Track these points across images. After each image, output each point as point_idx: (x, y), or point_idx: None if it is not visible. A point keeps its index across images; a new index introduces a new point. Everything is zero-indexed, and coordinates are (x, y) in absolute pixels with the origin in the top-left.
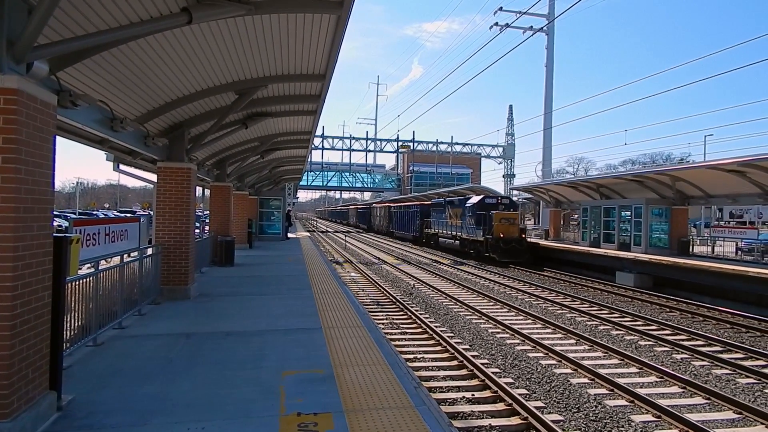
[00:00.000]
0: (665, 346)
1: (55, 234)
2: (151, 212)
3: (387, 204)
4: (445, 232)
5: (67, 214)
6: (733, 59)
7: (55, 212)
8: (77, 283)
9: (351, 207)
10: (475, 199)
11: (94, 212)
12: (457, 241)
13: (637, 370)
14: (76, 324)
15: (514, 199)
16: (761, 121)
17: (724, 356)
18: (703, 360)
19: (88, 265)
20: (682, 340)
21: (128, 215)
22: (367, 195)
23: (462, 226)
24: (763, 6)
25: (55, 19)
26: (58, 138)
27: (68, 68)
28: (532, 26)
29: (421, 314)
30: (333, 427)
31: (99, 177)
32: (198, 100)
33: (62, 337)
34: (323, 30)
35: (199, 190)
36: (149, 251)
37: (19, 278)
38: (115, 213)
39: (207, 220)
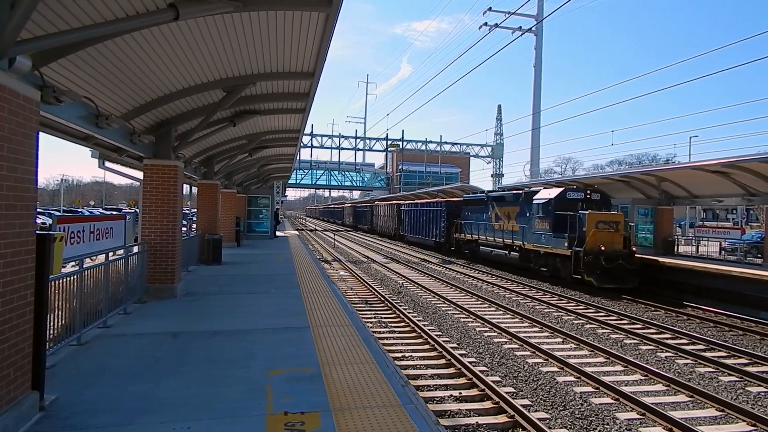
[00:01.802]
0: (650, 345)
1: (38, 232)
2: (138, 210)
3: (395, 201)
4: (489, 238)
5: (51, 212)
6: (719, 61)
7: (38, 209)
8: (61, 281)
9: (347, 205)
10: (548, 192)
11: (79, 210)
12: (513, 253)
13: (623, 369)
14: (60, 323)
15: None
16: (745, 122)
17: (708, 354)
18: (686, 358)
19: (73, 263)
20: (667, 338)
21: (114, 213)
22: (356, 194)
23: (523, 231)
24: (750, 8)
25: (38, 13)
26: (41, 134)
27: (52, 64)
28: (521, 27)
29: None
30: (320, 426)
31: (84, 174)
32: (185, 97)
33: (45, 337)
34: (312, 28)
35: (186, 187)
36: (135, 249)
37: (1, 276)
38: (101, 211)
39: (194, 218)
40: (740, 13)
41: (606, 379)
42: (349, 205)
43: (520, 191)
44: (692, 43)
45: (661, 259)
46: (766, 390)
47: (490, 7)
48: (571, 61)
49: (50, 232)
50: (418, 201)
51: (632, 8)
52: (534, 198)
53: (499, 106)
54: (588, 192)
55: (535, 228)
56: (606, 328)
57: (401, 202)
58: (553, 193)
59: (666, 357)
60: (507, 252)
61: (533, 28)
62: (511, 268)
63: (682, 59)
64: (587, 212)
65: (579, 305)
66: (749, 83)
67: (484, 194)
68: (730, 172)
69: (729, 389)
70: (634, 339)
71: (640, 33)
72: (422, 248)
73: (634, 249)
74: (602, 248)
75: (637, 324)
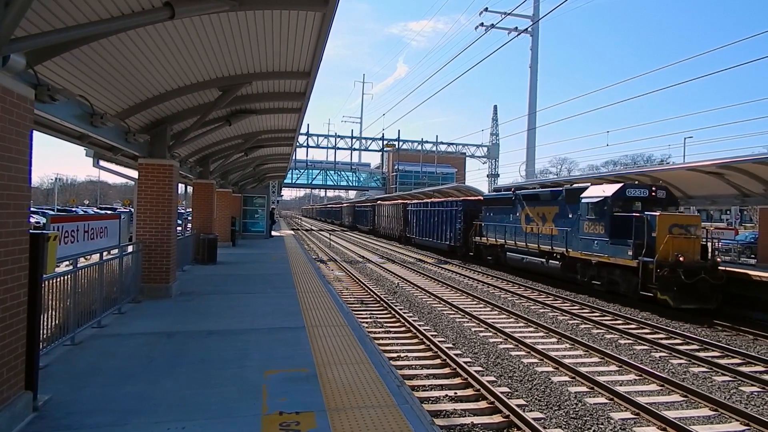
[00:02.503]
0: (644, 345)
1: (31, 231)
2: (132, 209)
3: (401, 201)
4: (519, 243)
5: (46, 211)
6: (713, 62)
7: (32, 209)
8: (55, 281)
9: (346, 204)
10: (601, 189)
11: (74, 209)
12: (553, 261)
13: (617, 368)
14: (54, 323)
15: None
16: (739, 124)
17: (701, 354)
18: (680, 358)
19: (67, 262)
20: (661, 338)
21: (108, 212)
22: (351, 193)
23: (566, 236)
24: (744, 9)
25: (33, 11)
26: (35, 133)
27: (47, 62)
28: (517, 27)
29: None
30: (315, 426)
31: (79, 173)
32: (181, 96)
33: (39, 336)
34: (308, 27)
35: (181, 187)
36: (130, 249)
37: None
38: (95, 210)
39: (189, 218)
40: (735, 14)
41: (600, 379)
42: (349, 204)
43: (559, 188)
44: (687, 44)
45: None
46: (759, 390)
47: (487, 8)
48: (567, 62)
49: (44, 232)
50: (429, 200)
51: (627, 9)
52: (583, 196)
53: (495, 107)
54: (653, 188)
55: (584, 232)
56: (601, 328)
57: (408, 201)
58: (609, 189)
59: (660, 357)
60: (544, 260)
61: (529, 29)
62: (548, 279)
63: (676, 60)
64: (657, 213)
65: (574, 305)
66: (743, 84)
67: (510, 192)
68: (725, 173)
69: (722, 389)
70: (628, 339)
71: (635, 34)
72: (433, 252)
73: (718, 259)
74: (681, 258)
75: (631, 324)
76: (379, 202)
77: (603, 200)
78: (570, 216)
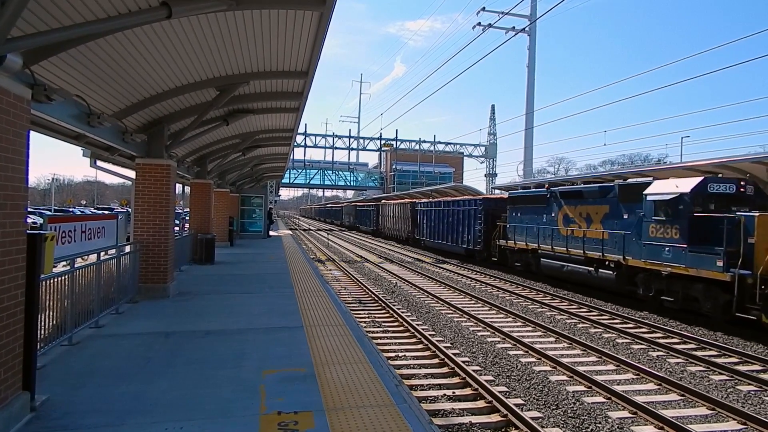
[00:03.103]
0: (642, 344)
1: (28, 231)
2: (130, 209)
3: (408, 200)
4: (558, 248)
5: (42, 211)
6: (710, 62)
7: (29, 209)
8: (52, 281)
9: (346, 204)
10: (674, 184)
11: (71, 209)
12: (605, 271)
13: (615, 368)
14: (51, 323)
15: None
16: (736, 123)
17: (699, 354)
18: (678, 357)
19: (64, 263)
20: (658, 337)
21: (106, 212)
22: (349, 193)
23: (623, 240)
24: (741, 9)
25: (29, 11)
26: (32, 133)
27: (43, 62)
28: (514, 27)
29: None
30: (314, 425)
31: (76, 173)
32: (178, 95)
33: (36, 337)
34: (306, 26)
35: (179, 187)
36: (127, 249)
37: None
38: (93, 210)
39: (187, 218)
40: (731, 14)
41: (598, 378)
42: (350, 204)
43: (610, 182)
44: (684, 44)
45: None
46: (756, 389)
47: (484, 7)
48: (564, 61)
49: (41, 232)
50: (441, 199)
51: (624, 9)
52: (648, 193)
53: (493, 106)
54: (741, 183)
55: (650, 236)
56: (598, 328)
57: (416, 200)
58: (686, 184)
59: (657, 356)
60: (592, 269)
61: (526, 29)
62: (598, 291)
63: (673, 60)
64: (756, 214)
65: (572, 305)
66: (740, 84)
67: (544, 189)
68: (721, 172)
69: (720, 388)
70: (626, 338)
71: (631, 34)
72: (448, 256)
73: None
74: None
75: (629, 323)
76: (383, 201)
77: (678, 198)
78: (626, 216)
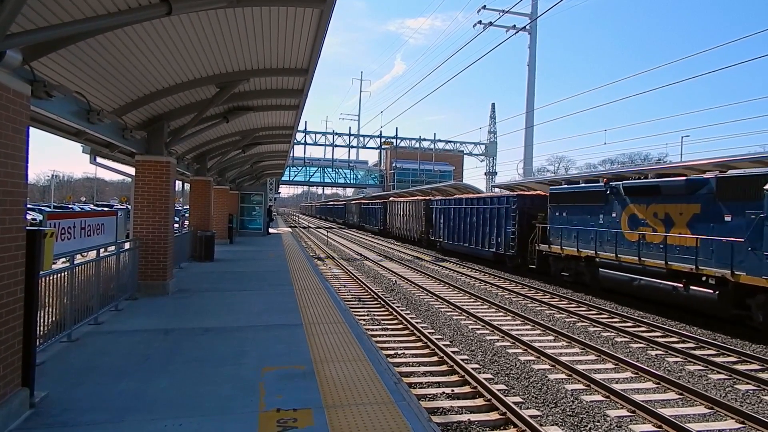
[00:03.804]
0: (641, 343)
1: (28, 227)
2: (129, 206)
3: (421, 197)
4: (624, 257)
5: (42, 208)
6: (711, 61)
7: (28, 205)
8: (51, 277)
9: (352, 201)
10: None
11: (70, 206)
12: (701, 289)
13: (614, 366)
14: (50, 319)
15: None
16: (736, 123)
17: (697, 353)
18: (677, 356)
19: (63, 259)
20: (657, 336)
21: (105, 209)
22: (349, 191)
23: (730, 250)
24: (742, 9)
25: (29, 7)
26: (32, 129)
27: (43, 58)
28: (515, 25)
29: None
30: (313, 422)
31: (75, 170)
32: (178, 92)
33: (35, 333)
34: (306, 24)
35: (178, 184)
36: (127, 246)
37: None
38: (92, 207)
39: (186, 215)
40: (732, 14)
41: (597, 376)
42: (354, 201)
43: (701, 175)
44: (685, 43)
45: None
46: (754, 388)
47: (485, 5)
48: (565, 60)
49: (40, 228)
50: (464, 196)
51: (625, 8)
52: None
53: (493, 105)
54: None
55: None
56: (597, 326)
57: (431, 197)
58: None
59: (656, 355)
60: (679, 286)
61: (527, 27)
62: (688, 313)
63: (674, 59)
64: None
65: (571, 303)
66: (741, 84)
67: (600, 183)
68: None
69: (718, 387)
70: (624, 337)
71: (632, 33)
72: (469, 260)
73: None
74: None
75: (627, 322)
76: (391, 198)
77: None
78: (729, 219)
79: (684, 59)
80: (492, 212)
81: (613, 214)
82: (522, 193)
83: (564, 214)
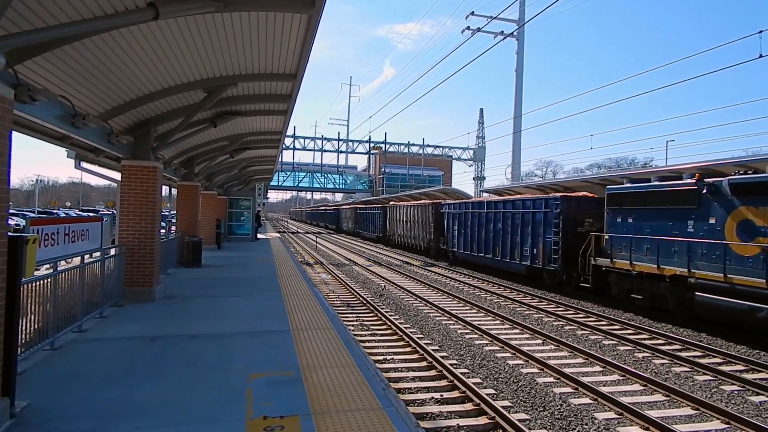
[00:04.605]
0: (628, 345)
1: (10, 234)
2: (115, 212)
3: (429, 201)
4: (735, 277)
5: (26, 213)
6: (695, 66)
7: (12, 211)
8: (34, 284)
9: (345, 206)
10: None
11: (55, 211)
12: None
13: (601, 369)
14: (33, 327)
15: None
16: (719, 127)
17: (683, 354)
18: (663, 358)
19: (47, 266)
20: (644, 339)
21: (90, 215)
22: (338, 196)
23: None
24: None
25: (12, 10)
26: (15, 134)
27: (27, 62)
28: (503, 31)
29: None
30: (300, 430)
31: (60, 175)
32: (165, 97)
33: (17, 341)
34: (294, 29)
35: (165, 189)
36: (112, 252)
37: None
38: (77, 212)
39: (173, 220)
40: (718, 18)
41: (585, 379)
42: (349, 206)
43: None
44: (670, 48)
45: None
46: (739, 388)
47: (473, 11)
48: (552, 66)
49: (23, 234)
50: (484, 199)
51: (611, 14)
52: None
53: (481, 110)
54: None
55: None
56: (585, 330)
57: (440, 201)
58: None
59: (643, 357)
60: None
61: (515, 33)
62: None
63: (658, 65)
64: None
65: (559, 307)
66: (725, 88)
67: (692, 179)
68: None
69: (704, 388)
70: (612, 340)
71: (618, 39)
72: (493, 275)
73: None
74: None
75: (615, 325)
76: (392, 202)
77: None
78: None
79: (669, 64)
80: (525, 218)
81: (711, 220)
82: (567, 195)
83: (630, 220)
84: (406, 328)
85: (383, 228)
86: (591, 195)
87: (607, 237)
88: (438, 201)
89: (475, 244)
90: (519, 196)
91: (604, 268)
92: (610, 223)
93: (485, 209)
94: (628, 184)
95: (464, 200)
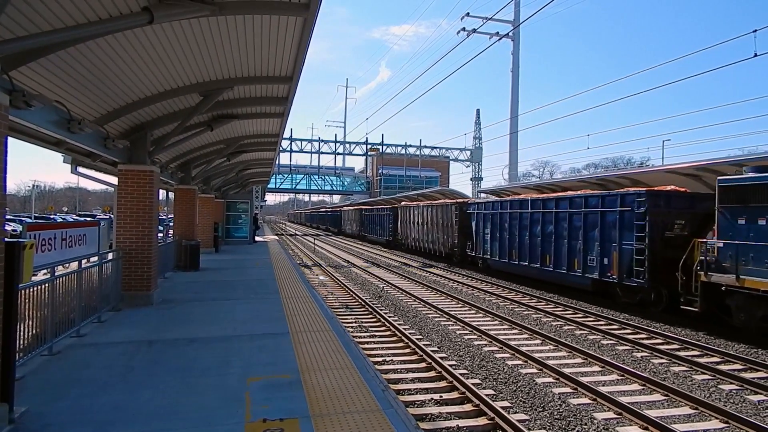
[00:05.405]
0: (626, 345)
1: (7, 239)
2: (112, 216)
3: (452, 201)
4: None
5: (23, 218)
6: (691, 66)
7: (8, 216)
8: (31, 290)
9: (349, 208)
10: None
11: (52, 216)
12: None
13: (600, 369)
14: (30, 332)
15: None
16: (715, 127)
17: (682, 354)
18: (661, 358)
19: (44, 271)
20: (643, 338)
21: (87, 219)
22: (336, 197)
23: None
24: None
25: (7, 16)
26: (11, 139)
27: (22, 67)
28: (498, 32)
29: None
30: None
31: (57, 180)
32: (161, 101)
33: (15, 347)
34: (290, 32)
35: (162, 193)
36: (110, 256)
37: None
38: (74, 217)
39: (171, 224)
40: (713, 18)
41: (584, 379)
42: (352, 207)
43: None
44: (665, 49)
45: None
46: (737, 388)
47: (468, 13)
48: (548, 66)
49: (20, 240)
50: (529, 196)
51: (607, 15)
52: None
53: (478, 111)
54: None
55: None
56: (584, 330)
57: (466, 200)
58: None
59: (642, 357)
60: None
61: (510, 34)
62: None
63: (654, 65)
64: None
65: (557, 307)
66: (720, 88)
67: None
68: (702, 175)
69: (702, 387)
70: (610, 340)
71: (614, 40)
72: (541, 288)
73: None
74: None
75: (613, 325)
76: (404, 203)
77: None
78: None
79: (665, 64)
80: (589, 219)
81: None
82: (654, 189)
83: (764, 223)
84: (404, 329)
85: (393, 231)
86: (682, 189)
87: (720, 245)
88: (464, 200)
89: (515, 251)
90: (579, 192)
91: (724, 288)
92: (727, 227)
93: (530, 209)
94: (752, 174)
95: (499, 198)
